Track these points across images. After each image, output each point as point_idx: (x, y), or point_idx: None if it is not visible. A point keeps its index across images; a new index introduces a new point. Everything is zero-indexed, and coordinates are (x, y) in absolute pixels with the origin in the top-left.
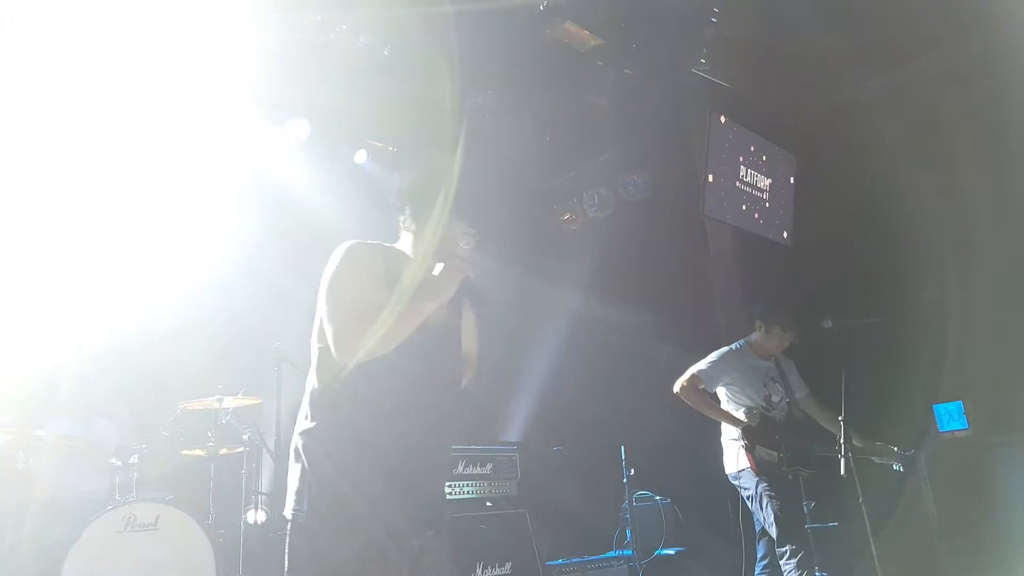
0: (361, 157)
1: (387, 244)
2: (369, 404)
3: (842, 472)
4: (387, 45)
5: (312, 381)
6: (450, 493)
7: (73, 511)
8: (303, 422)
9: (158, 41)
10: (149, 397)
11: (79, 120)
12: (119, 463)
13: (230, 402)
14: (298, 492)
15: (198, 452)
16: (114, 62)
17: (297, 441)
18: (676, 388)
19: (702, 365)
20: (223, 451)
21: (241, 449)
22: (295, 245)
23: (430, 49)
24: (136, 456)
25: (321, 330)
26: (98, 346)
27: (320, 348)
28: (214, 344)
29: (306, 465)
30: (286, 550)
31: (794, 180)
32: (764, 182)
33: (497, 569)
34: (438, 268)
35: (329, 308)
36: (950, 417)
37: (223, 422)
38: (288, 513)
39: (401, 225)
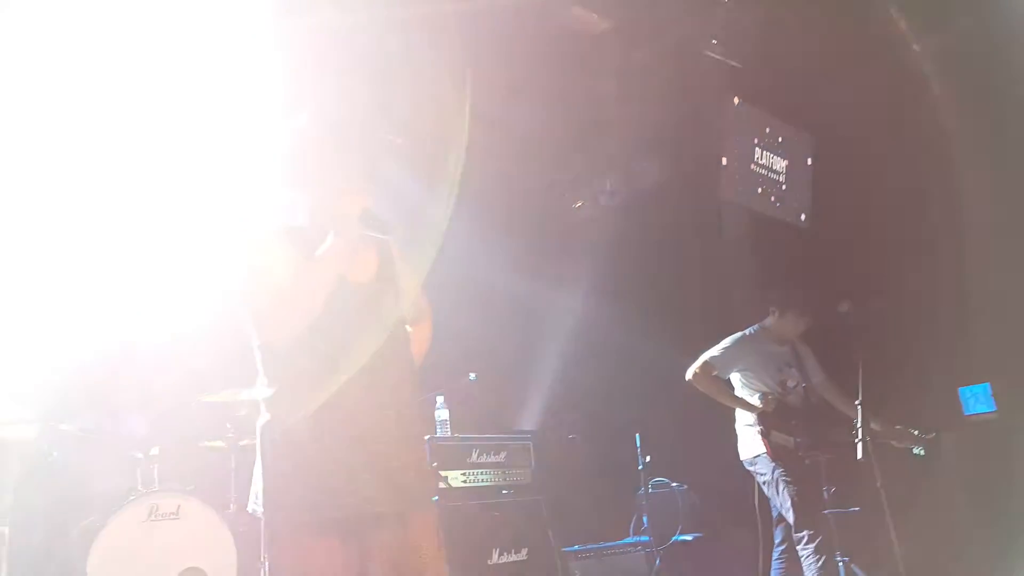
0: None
1: (288, 224)
2: (309, 384)
3: (859, 456)
4: (393, 38)
5: (261, 382)
6: (464, 481)
7: (98, 502)
8: (260, 419)
9: (166, 43)
10: (169, 390)
11: (108, 121)
12: (141, 455)
13: (248, 394)
14: (264, 490)
15: (218, 444)
16: (125, 61)
17: (258, 436)
18: (689, 375)
19: (715, 351)
20: (243, 442)
21: (257, 444)
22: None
23: (438, 39)
24: (157, 448)
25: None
26: (120, 341)
27: (259, 345)
28: (231, 337)
29: (265, 459)
30: (262, 548)
31: (812, 161)
32: (780, 164)
33: (513, 555)
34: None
35: (241, 295)
36: (976, 400)
37: (242, 414)
38: (259, 512)
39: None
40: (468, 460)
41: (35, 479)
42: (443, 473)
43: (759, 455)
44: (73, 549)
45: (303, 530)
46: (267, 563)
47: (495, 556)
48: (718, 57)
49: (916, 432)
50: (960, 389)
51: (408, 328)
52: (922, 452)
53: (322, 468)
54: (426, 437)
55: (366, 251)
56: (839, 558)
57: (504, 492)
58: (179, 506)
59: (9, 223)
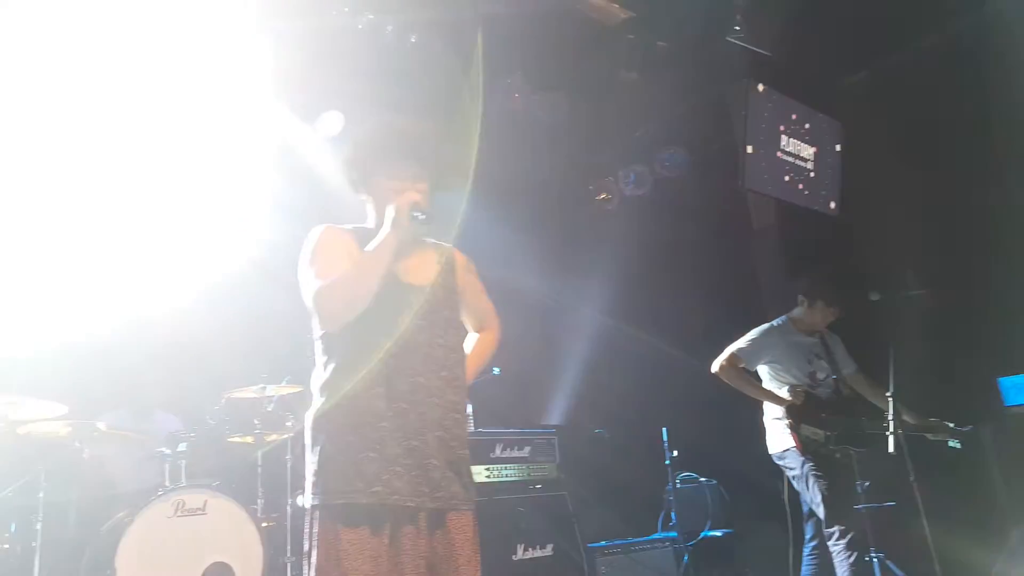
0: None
1: (360, 225)
2: (357, 381)
3: (890, 450)
4: (414, 32)
5: (315, 373)
6: (487, 476)
7: (128, 499)
8: (311, 410)
9: (183, 37)
10: (196, 387)
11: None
12: (168, 452)
13: (274, 390)
14: (313, 474)
15: (246, 439)
16: (143, 57)
17: (306, 424)
18: (714, 368)
19: (741, 343)
20: (271, 437)
21: (287, 435)
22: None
23: (457, 33)
24: (184, 444)
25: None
26: (149, 338)
27: (320, 336)
28: (256, 333)
29: (313, 446)
30: (306, 535)
31: (840, 147)
32: (808, 151)
33: (538, 551)
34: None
35: (304, 289)
36: (1017, 391)
37: (268, 409)
38: (305, 499)
39: (360, 199)
40: (491, 455)
41: (66, 475)
42: None
43: (788, 449)
44: (102, 544)
45: (337, 512)
46: (308, 544)
47: (520, 552)
48: (742, 43)
49: (952, 425)
50: (999, 380)
51: (470, 334)
52: (958, 445)
53: (359, 455)
54: None
55: (427, 256)
56: (873, 554)
57: (529, 487)
58: (206, 502)
59: (44, 221)
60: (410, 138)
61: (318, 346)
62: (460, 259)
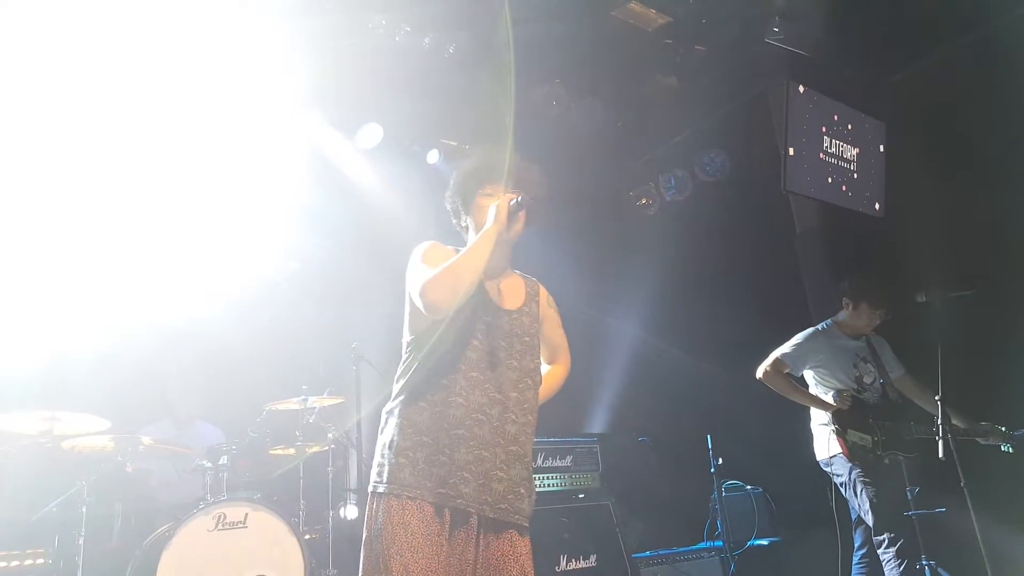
0: (434, 157)
1: (461, 248)
2: (438, 386)
3: (940, 455)
4: (451, 43)
5: (400, 369)
6: None
7: (169, 511)
8: (389, 403)
9: (225, 50)
10: (237, 399)
11: (169, 126)
12: (209, 464)
13: (315, 402)
14: (378, 464)
15: (288, 451)
16: (185, 71)
17: (382, 419)
18: (759, 374)
19: (786, 348)
20: (313, 449)
21: (328, 447)
22: (371, 247)
23: (494, 43)
24: (226, 457)
25: (409, 322)
26: (190, 350)
27: (410, 340)
28: (297, 345)
29: (386, 437)
30: (365, 519)
31: (884, 148)
32: (851, 152)
33: (582, 562)
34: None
35: (412, 282)
36: None
37: (309, 421)
38: (371, 486)
39: (460, 227)
40: (534, 465)
41: (108, 489)
42: None
43: (835, 455)
44: (144, 558)
45: (404, 504)
46: (369, 530)
47: (563, 563)
48: (781, 45)
49: (1004, 428)
50: None
51: (544, 365)
52: (1011, 449)
53: (432, 455)
54: None
55: (516, 284)
56: (924, 561)
57: (572, 497)
58: (247, 515)
59: (86, 236)
60: (510, 165)
61: (405, 348)
62: (544, 292)
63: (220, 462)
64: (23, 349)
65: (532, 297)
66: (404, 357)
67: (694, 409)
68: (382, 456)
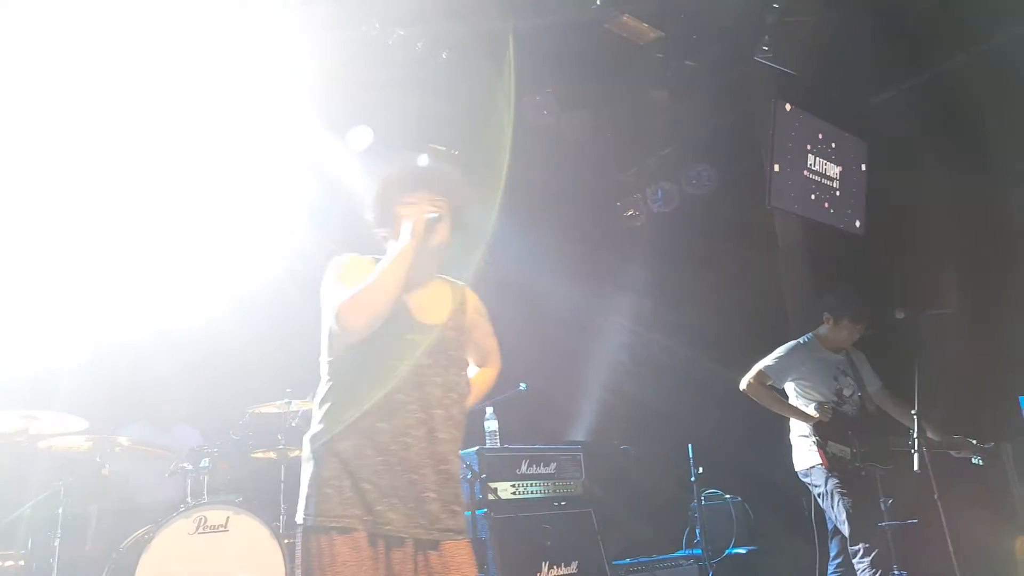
0: (424, 162)
1: (381, 257)
2: (361, 411)
3: (915, 467)
4: (444, 48)
5: (320, 393)
6: (513, 492)
7: (149, 514)
8: (311, 431)
9: (218, 52)
10: (219, 401)
11: (155, 129)
12: (190, 467)
13: (298, 405)
14: (305, 496)
15: (269, 455)
16: (175, 71)
17: (305, 445)
18: (743, 385)
19: (769, 360)
20: (294, 453)
21: (303, 453)
22: (356, 251)
23: (487, 50)
24: (207, 460)
25: (327, 342)
26: (172, 351)
27: (329, 361)
28: (278, 349)
29: (310, 467)
30: (298, 553)
31: (865, 167)
32: (834, 170)
33: (563, 568)
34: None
35: (327, 302)
36: None
37: (292, 425)
38: (299, 518)
39: (380, 236)
40: (518, 471)
41: (86, 490)
42: (492, 485)
43: (814, 466)
44: (123, 561)
45: (332, 536)
46: (302, 564)
47: (545, 569)
48: (769, 63)
49: (975, 441)
50: (1021, 398)
51: (472, 368)
52: (981, 462)
53: (357, 484)
54: (475, 448)
55: (441, 293)
56: (896, 572)
57: (554, 504)
58: (228, 518)
59: (67, 234)
60: (430, 173)
61: (324, 370)
62: (472, 298)
63: (201, 464)
64: (1, 348)
65: (459, 307)
66: (324, 380)
67: (676, 419)
68: (308, 487)
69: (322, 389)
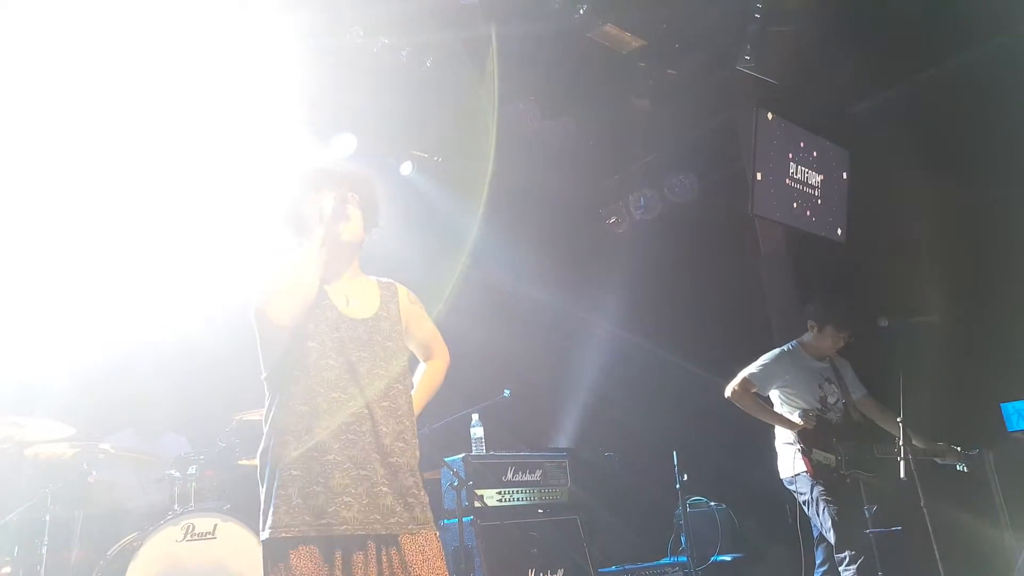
0: (407, 169)
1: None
2: (300, 414)
3: (901, 475)
4: (428, 56)
5: (265, 411)
6: (499, 499)
7: (135, 521)
8: (260, 447)
9: (202, 60)
10: (206, 408)
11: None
12: (178, 474)
13: None
14: (262, 512)
15: (254, 462)
16: (159, 79)
17: (258, 463)
18: (728, 393)
19: (754, 368)
20: None
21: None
22: None
23: (471, 59)
24: (194, 467)
25: (261, 357)
26: (159, 359)
27: (266, 377)
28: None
29: (264, 483)
30: (262, 569)
31: (847, 175)
32: (815, 178)
33: (549, 575)
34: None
35: (251, 302)
36: (1020, 416)
37: None
38: (261, 536)
39: (290, 234)
40: (504, 478)
41: (73, 497)
42: (478, 492)
43: (799, 474)
44: (110, 568)
45: (288, 545)
46: None
47: None
48: (751, 72)
49: (959, 448)
50: (1002, 405)
51: (421, 364)
52: (965, 468)
53: (305, 488)
54: (461, 455)
55: (367, 290)
56: None
57: (540, 511)
58: (216, 526)
59: (54, 241)
60: (335, 169)
61: (265, 388)
62: (403, 291)
63: (188, 472)
64: None
65: (389, 299)
66: (266, 396)
67: (661, 426)
68: (264, 502)
69: (266, 405)
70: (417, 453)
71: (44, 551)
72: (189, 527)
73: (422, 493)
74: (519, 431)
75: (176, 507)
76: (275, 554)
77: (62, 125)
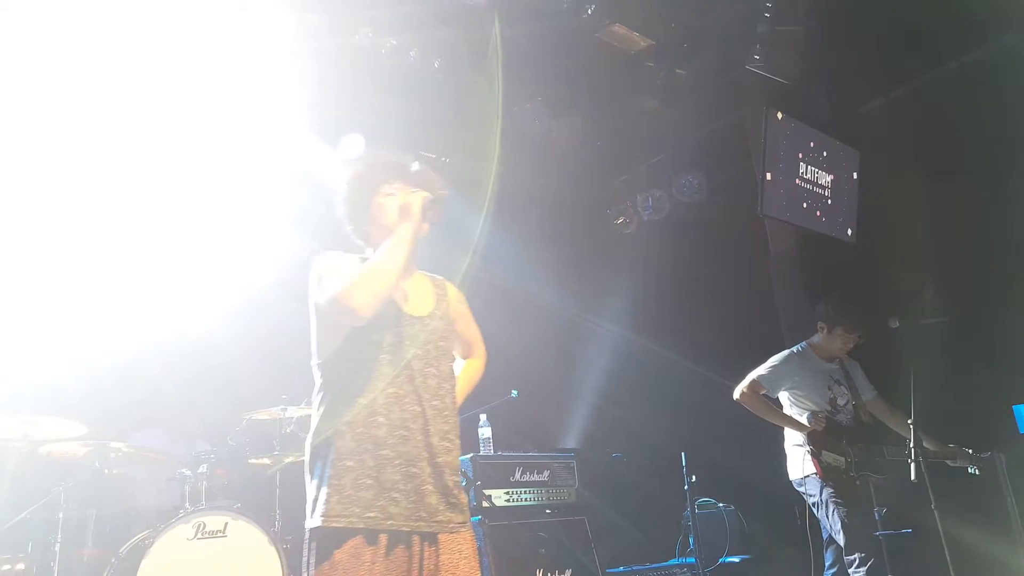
0: (414, 169)
1: (362, 256)
2: (357, 406)
3: (912, 477)
4: (436, 58)
5: (316, 397)
6: (507, 500)
7: (147, 520)
8: (311, 435)
9: (210, 60)
10: (217, 408)
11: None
12: (189, 473)
13: (294, 412)
14: (311, 500)
15: (264, 461)
16: (165, 80)
17: (306, 449)
18: (736, 395)
19: (763, 370)
20: (289, 459)
21: (304, 457)
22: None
23: (478, 59)
24: (205, 466)
25: (316, 344)
26: (171, 358)
27: (319, 363)
28: (274, 355)
29: (313, 470)
30: (304, 557)
31: (858, 175)
32: (825, 178)
33: (557, 575)
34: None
35: (324, 293)
36: None
37: (288, 431)
38: (307, 522)
39: (357, 232)
40: (511, 479)
41: (86, 495)
42: (486, 492)
43: (809, 475)
44: (122, 565)
45: (334, 534)
46: (306, 566)
47: None
48: (761, 72)
49: (970, 451)
50: (1015, 407)
51: (460, 361)
52: (976, 471)
53: (356, 480)
54: (469, 455)
55: (423, 287)
56: None
57: (547, 511)
58: (226, 524)
59: (70, 242)
60: (405, 165)
61: (316, 374)
62: (452, 290)
63: (199, 470)
64: (4, 353)
65: (441, 297)
66: (317, 383)
67: (670, 426)
68: (314, 490)
69: (317, 392)
70: (459, 454)
71: (57, 548)
72: (200, 525)
73: (462, 494)
74: (527, 432)
75: (187, 505)
76: (322, 542)
77: (73, 121)
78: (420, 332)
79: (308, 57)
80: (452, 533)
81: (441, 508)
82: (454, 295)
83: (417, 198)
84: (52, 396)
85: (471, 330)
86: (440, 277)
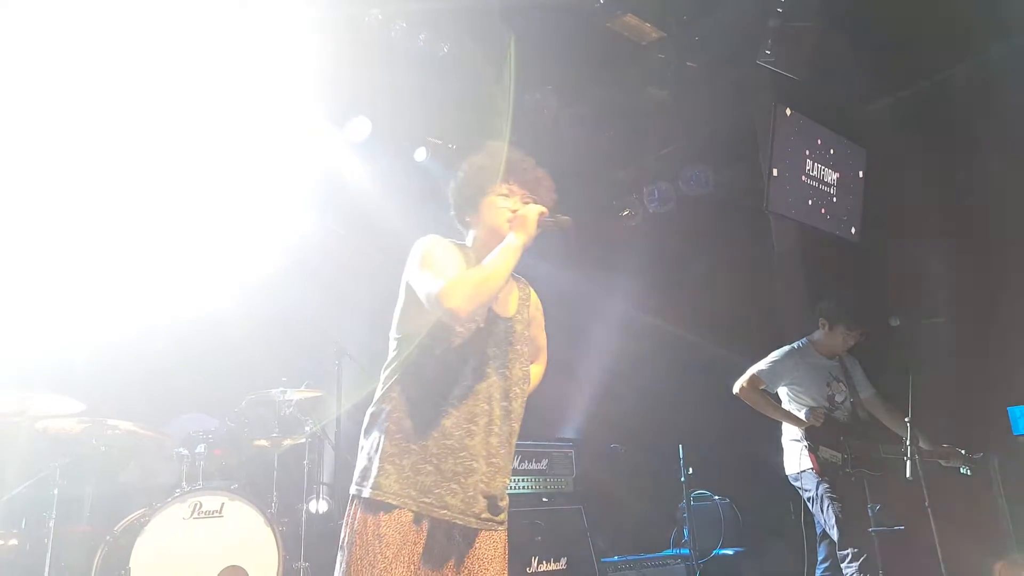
0: (421, 155)
1: (459, 242)
2: (431, 392)
3: (907, 475)
4: (446, 42)
5: (386, 369)
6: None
7: (143, 498)
8: (374, 405)
9: (220, 43)
10: (216, 388)
11: (161, 118)
12: (186, 452)
13: (293, 394)
14: (363, 467)
15: (262, 443)
16: (178, 62)
17: (367, 417)
18: (736, 389)
19: (762, 365)
20: (287, 442)
21: (304, 440)
22: (355, 242)
23: (489, 45)
24: (203, 446)
25: (400, 318)
26: (170, 338)
27: (398, 338)
28: (276, 338)
29: (372, 439)
30: (344, 523)
31: (863, 174)
32: (831, 176)
33: (552, 564)
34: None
35: (424, 282)
36: None
37: (286, 413)
38: (352, 489)
39: (463, 221)
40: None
41: (81, 472)
42: None
43: (805, 470)
44: (117, 543)
45: (379, 515)
46: (346, 532)
47: (534, 564)
48: (771, 67)
49: (963, 451)
50: (1009, 408)
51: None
52: (968, 472)
53: (419, 464)
54: None
55: (511, 287)
56: None
57: (544, 500)
58: (223, 504)
59: (73, 222)
60: (524, 166)
61: (392, 346)
62: (534, 296)
63: (197, 450)
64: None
65: (524, 302)
66: (391, 355)
67: (667, 419)
68: (368, 459)
69: (389, 364)
70: (512, 459)
71: (51, 524)
72: (196, 505)
73: (506, 496)
74: (525, 420)
75: (184, 485)
76: (369, 512)
77: (83, 100)
78: (502, 332)
79: (318, 39)
80: (491, 532)
81: (488, 507)
82: (535, 301)
83: (534, 212)
84: (54, 374)
85: (542, 336)
86: (524, 280)
